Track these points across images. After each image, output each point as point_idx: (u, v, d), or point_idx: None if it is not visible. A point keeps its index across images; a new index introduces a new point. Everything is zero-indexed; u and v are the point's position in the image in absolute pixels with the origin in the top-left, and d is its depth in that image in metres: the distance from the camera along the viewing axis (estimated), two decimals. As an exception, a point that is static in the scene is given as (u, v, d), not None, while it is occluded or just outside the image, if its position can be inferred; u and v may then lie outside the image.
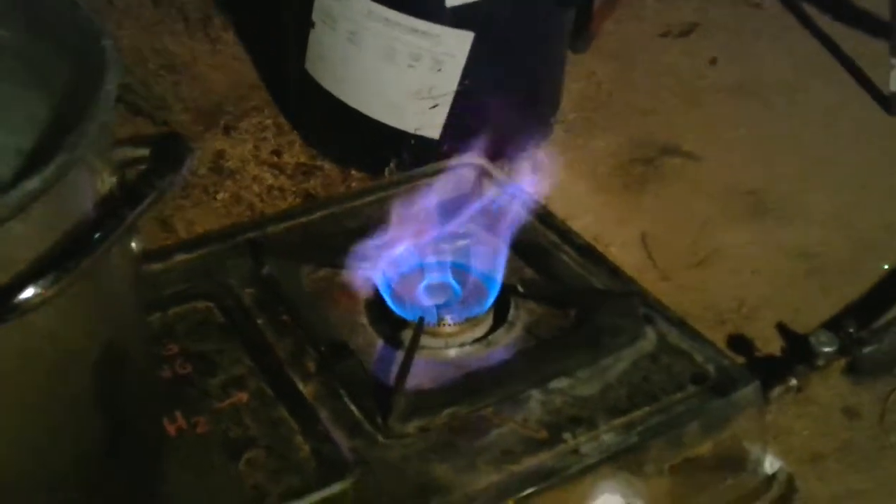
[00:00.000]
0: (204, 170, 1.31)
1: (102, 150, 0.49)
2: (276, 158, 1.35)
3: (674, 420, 0.71)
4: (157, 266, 0.83)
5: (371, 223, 0.88)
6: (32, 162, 0.54)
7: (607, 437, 0.69)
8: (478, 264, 0.82)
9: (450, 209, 0.88)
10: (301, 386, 0.73)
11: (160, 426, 0.68)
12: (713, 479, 0.75)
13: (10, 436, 0.49)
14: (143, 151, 0.50)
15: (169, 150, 0.49)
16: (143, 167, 0.49)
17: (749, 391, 0.74)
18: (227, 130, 1.39)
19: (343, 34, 1.23)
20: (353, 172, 1.32)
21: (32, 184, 0.42)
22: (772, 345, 1.09)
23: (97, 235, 0.45)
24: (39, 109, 0.56)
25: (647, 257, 1.22)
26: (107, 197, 0.49)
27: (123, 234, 0.47)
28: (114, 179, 0.50)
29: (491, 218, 0.87)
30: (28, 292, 0.42)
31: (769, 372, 0.83)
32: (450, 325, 0.77)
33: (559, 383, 0.73)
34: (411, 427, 0.69)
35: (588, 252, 0.88)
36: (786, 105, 1.53)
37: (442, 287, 0.81)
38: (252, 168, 1.33)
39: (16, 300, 0.42)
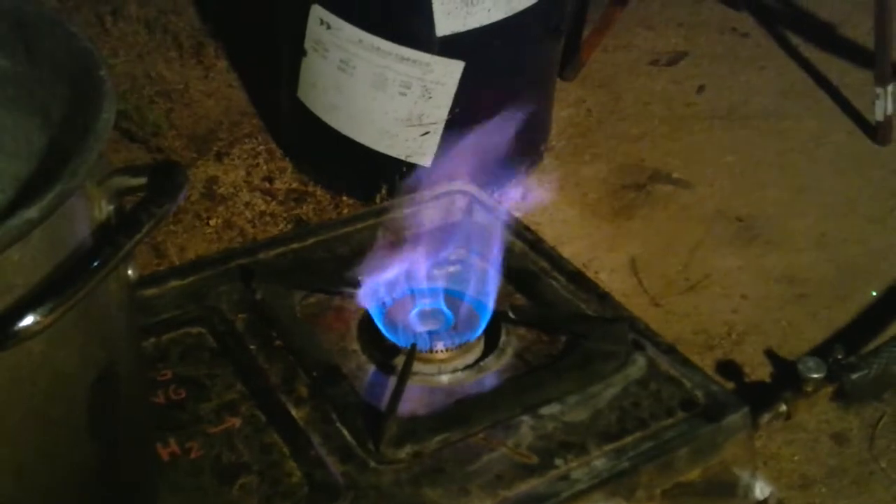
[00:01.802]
0: (196, 196, 1.32)
1: (99, 178, 0.50)
2: (268, 184, 1.36)
3: (664, 446, 0.72)
4: (150, 291, 0.83)
5: (362, 249, 0.88)
6: (30, 189, 0.54)
7: (598, 462, 0.70)
8: (469, 290, 0.83)
9: (441, 236, 0.88)
10: (293, 411, 0.73)
11: (153, 451, 0.68)
12: (703, 505, 0.76)
13: (4, 458, 0.49)
14: (141, 180, 0.50)
15: (165, 179, 0.50)
16: (140, 195, 0.49)
17: (738, 417, 0.75)
18: (219, 157, 1.40)
19: (334, 62, 1.24)
20: (345, 199, 1.33)
21: (31, 213, 0.42)
22: (761, 371, 1.10)
23: (94, 263, 0.45)
24: (37, 137, 0.57)
25: (636, 283, 1.23)
26: (104, 224, 0.50)
27: (120, 262, 0.47)
28: (111, 207, 0.50)
29: (482, 244, 0.87)
30: (27, 320, 0.42)
31: (758, 398, 0.84)
32: (441, 351, 0.78)
33: (550, 409, 0.74)
34: (403, 452, 0.69)
35: (578, 278, 0.88)
36: (773, 132, 1.55)
37: (433, 313, 0.82)
38: (244, 194, 1.34)
39: (14, 328, 0.42)
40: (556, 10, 1.32)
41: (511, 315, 0.81)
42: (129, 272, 0.54)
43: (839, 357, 0.89)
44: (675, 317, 1.18)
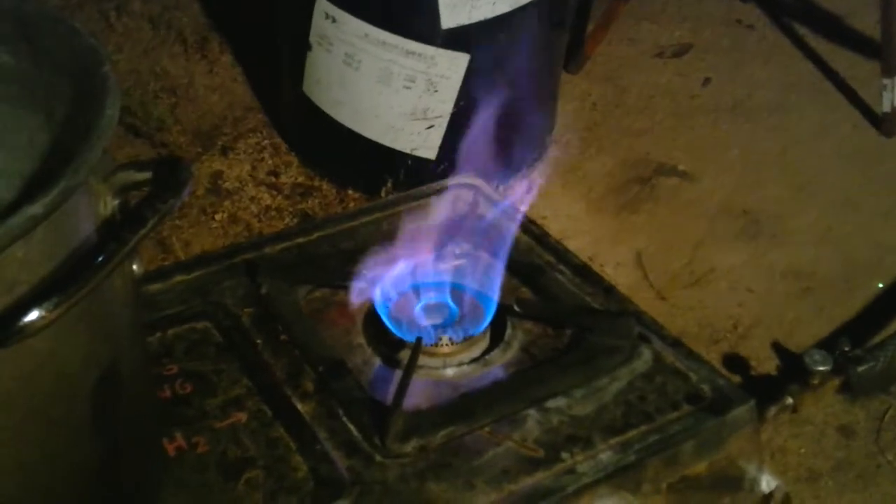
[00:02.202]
0: (202, 190, 1.32)
1: (104, 174, 0.50)
2: (273, 179, 1.36)
3: (670, 439, 0.72)
4: (155, 286, 0.84)
5: (368, 243, 0.88)
6: (34, 186, 0.54)
7: (604, 455, 0.70)
8: (474, 284, 0.83)
9: (446, 229, 0.88)
10: (299, 405, 0.73)
11: (159, 446, 0.68)
12: (710, 498, 0.75)
13: (6, 457, 0.49)
14: (145, 175, 0.50)
15: (170, 175, 0.50)
16: (145, 190, 0.49)
17: (744, 410, 0.74)
18: (224, 151, 1.40)
19: (339, 57, 1.24)
20: (350, 193, 1.33)
21: (34, 209, 0.42)
22: (767, 364, 1.10)
23: (99, 258, 0.46)
24: (40, 133, 0.57)
25: (642, 277, 1.23)
26: (109, 220, 0.50)
27: (124, 258, 0.47)
28: (116, 202, 0.50)
29: (487, 238, 0.87)
30: (31, 315, 0.42)
31: (764, 391, 0.84)
32: (447, 344, 0.78)
33: (556, 402, 0.74)
34: (409, 447, 0.69)
35: (584, 272, 0.88)
36: (778, 125, 1.55)
37: (439, 307, 0.82)
38: (249, 189, 1.34)
39: (19, 323, 0.42)
40: (561, 3, 1.32)
41: (516, 308, 0.81)
42: (134, 267, 0.54)
43: (845, 350, 0.89)
44: (680, 310, 1.17)
